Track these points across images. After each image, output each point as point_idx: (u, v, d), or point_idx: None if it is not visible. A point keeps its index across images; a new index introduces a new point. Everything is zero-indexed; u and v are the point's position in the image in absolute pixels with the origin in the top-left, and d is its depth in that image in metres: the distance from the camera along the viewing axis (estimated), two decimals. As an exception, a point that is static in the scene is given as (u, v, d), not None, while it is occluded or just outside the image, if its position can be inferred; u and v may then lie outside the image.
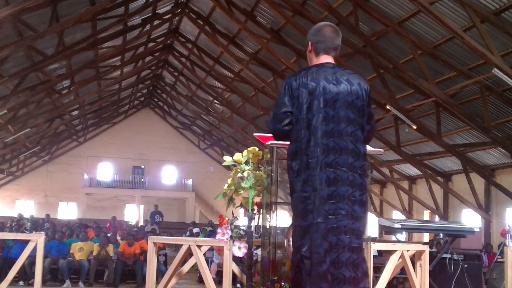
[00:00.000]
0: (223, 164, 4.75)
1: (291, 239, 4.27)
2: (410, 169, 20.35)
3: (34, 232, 13.37)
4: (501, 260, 7.91)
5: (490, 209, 16.91)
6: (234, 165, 4.47)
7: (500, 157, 15.83)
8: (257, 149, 4.42)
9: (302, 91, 3.12)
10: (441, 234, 13.59)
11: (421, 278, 5.39)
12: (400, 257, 5.23)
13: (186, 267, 5.08)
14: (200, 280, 11.25)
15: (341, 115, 3.10)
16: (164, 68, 26.00)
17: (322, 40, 3.26)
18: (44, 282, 9.70)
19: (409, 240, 17.66)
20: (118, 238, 13.54)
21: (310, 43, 3.30)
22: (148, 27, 18.40)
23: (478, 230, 6.93)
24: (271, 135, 3.40)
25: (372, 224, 10.75)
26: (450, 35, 11.08)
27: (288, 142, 3.28)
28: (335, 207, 3.02)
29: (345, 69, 3.25)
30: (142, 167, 33.54)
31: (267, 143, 4.20)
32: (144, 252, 11.19)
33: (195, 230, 18.51)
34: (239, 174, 4.37)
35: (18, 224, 17.24)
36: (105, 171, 33.24)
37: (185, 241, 4.93)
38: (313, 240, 2.99)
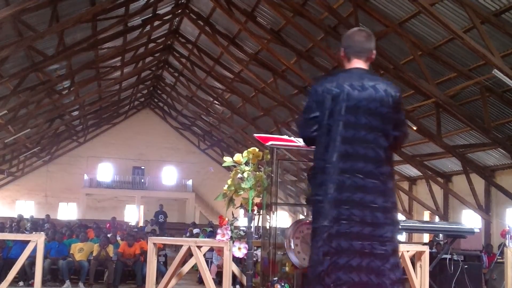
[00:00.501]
0: (223, 165, 4.75)
1: (291, 239, 4.27)
2: (410, 170, 20.36)
3: (34, 232, 13.37)
4: (501, 260, 7.91)
5: (490, 210, 16.91)
6: (234, 166, 4.47)
7: (500, 158, 15.83)
8: (257, 149, 4.42)
9: (326, 97, 3.16)
10: (441, 235, 13.60)
11: (421, 279, 5.39)
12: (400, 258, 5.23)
13: (186, 268, 5.08)
14: (200, 281, 11.25)
15: (363, 122, 3.11)
16: (164, 69, 26.00)
17: (351, 44, 3.28)
18: (44, 282, 9.70)
19: (409, 241, 17.66)
20: (118, 238, 13.54)
21: (342, 49, 3.32)
22: (148, 27, 18.40)
23: (478, 230, 6.93)
24: (302, 141, 3.46)
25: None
26: (450, 36, 11.08)
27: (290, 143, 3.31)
28: (349, 212, 3.02)
29: (373, 75, 3.27)
30: (142, 167, 33.54)
31: (267, 144, 4.20)
32: (144, 253, 11.19)
33: (195, 230, 18.50)
34: (239, 175, 4.37)
35: (18, 224, 17.24)
36: (105, 171, 33.24)
37: (185, 242, 4.93)
38: (321, 242, 3.04)
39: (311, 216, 3.20)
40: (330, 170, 3.08)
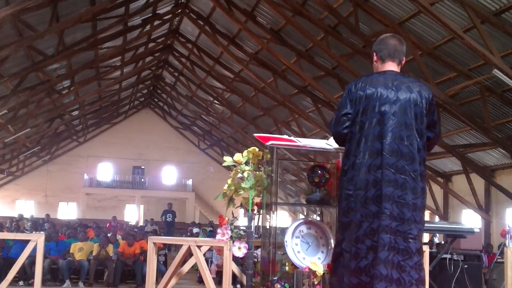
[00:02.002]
0: (223, 165, 4.75)
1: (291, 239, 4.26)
2: (410, 170, 20.32)
3: (34, 232, 13.38)
4: (501, 260, 7.91)
5: (490, 210, 16.91)
6: (234, 166, 4.47)
7: (500, 158, 15.83)
8: (257, 149, 4.42)
9: (360, 95, 3.24)
10: (437, 235, 13.56)
11: (421, 279, 5.38)
12: (400, 258, 5.22)
13: (186, 267, 5.08)
14: (200, 280, 11.26)
15: (396, 120, 3.17)
16: (164, 68, 26.00)
17: (386, 47, 3.38)
18: (44, 282, 9.70)
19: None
20: (118, 237, 13.55)
21: (374, 53, 3.43)
22: (148, 27, 18.40)
23: (478, 230, 6.92)
24: (332, 138, 3.52)
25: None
26: (450, 35, 11.08)
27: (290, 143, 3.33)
28: (380, 207, 3.08)
29: (407, 77, 3.34)
30: (142, 167, 33.54)
31: (267, 144, 4.21)
32: (144, 252, 11.20)
33: (195, 230, 18.51)
34: (239, 175, 4.36)
35: (17, 224, 17.26)
36: (105, 171, 33.25)
37: (185, 241, 4.93)
38: (355, 236, 3.11)
39: (339, 210, 3.27)
40: (362, 165, 3.15)
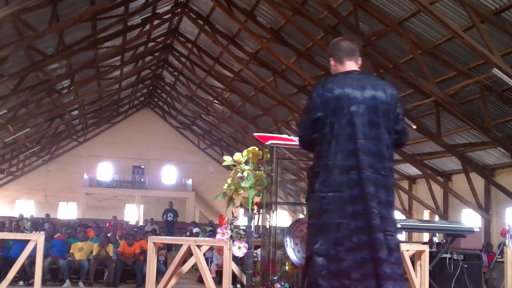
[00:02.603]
0: (223, 164, 4.75)
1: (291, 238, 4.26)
2: (410, 169, 20.34)
3: (34, 232, 13.38)
4: (500, 260, 7.91)
5: (490, 209, 16.91)
6: (234, 165, 4.47)
7: (500, 157, 15.83)
8: (257, 149, 4.43)
9: (328, 96, 3.22)
10: (437, 234, 13.52)
11: (421, 278, 5.40)
12: (400, 257, 5.21)
13: (186, 267, 5.08)
14: (200, 280, 11.25)
15: (365, 119, 3.18)
16: (164, 68, 26.00)
17: (341, 48, 3.40)
18: (44, 282, 9.69)
19: (409, 240, 17.66)
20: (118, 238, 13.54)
21: (331, 58, 3.42)
22: (148, 26, 18.39)
23: (478, 230, 6.92)
24: (298, 142, 3.48)
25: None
26: (450, 35, 11.08)
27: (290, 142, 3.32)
28: (362, 207, 3.07)
29: (370, 76, 3.38)
30: (142, 167, 33.52)
31: (267, 143, 4.21)
32: (144, 252, 11.19)
33: (195, 230, 18.49)
34: (239, 174, 4.37)
35: (17, 224, 17.25)
36: (105, 171, 33.23)
37: (185, 241, 4.93)
38: (335, 239, 3.06)
39: (311, 213, 3.22)
40: (334, 167, 3.13)
